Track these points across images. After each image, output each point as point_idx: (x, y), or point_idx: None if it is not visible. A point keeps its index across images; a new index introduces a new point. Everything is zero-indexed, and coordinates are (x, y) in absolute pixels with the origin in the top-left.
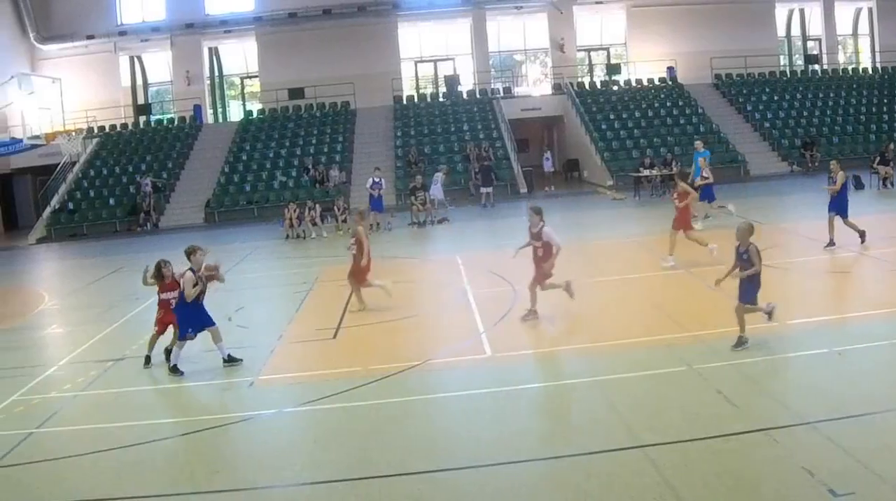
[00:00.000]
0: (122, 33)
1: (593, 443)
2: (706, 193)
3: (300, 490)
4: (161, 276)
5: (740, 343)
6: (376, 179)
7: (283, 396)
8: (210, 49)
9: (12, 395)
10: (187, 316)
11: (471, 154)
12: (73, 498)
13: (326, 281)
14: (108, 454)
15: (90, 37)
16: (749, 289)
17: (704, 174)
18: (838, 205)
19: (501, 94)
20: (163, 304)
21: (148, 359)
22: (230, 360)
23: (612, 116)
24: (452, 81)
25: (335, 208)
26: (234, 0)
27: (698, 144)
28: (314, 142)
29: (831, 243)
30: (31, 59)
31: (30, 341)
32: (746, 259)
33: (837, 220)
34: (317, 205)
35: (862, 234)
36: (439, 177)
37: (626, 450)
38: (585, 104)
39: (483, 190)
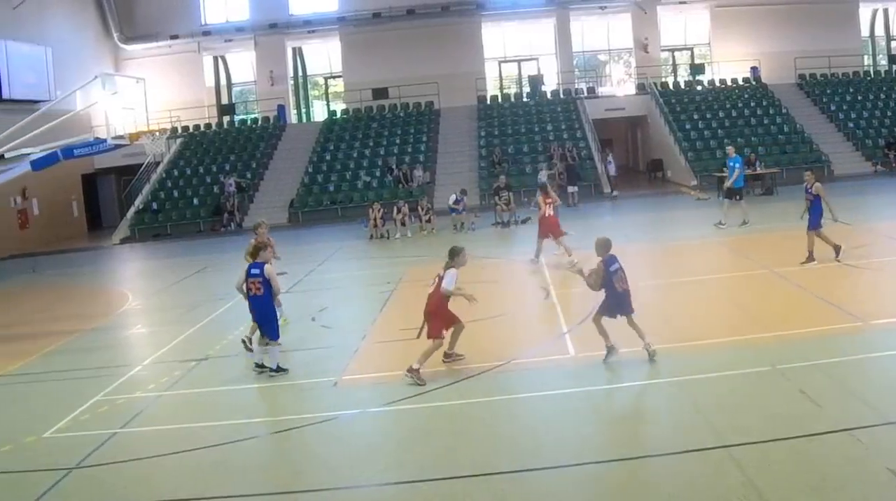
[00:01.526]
0: (206, 33)
1: (677, 443)
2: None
3: (383, 491)
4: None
5: (609, 353)
6: (459, 197)
7: (367, 396)
8: (294, 49)
9: (97, 395)
10: (273, 315)
11: (554, 154)
12: (156, 499)
13: (410, 281)
14: (192, 454)
15: (174, 37)
16: (606, 304)
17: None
18: (812, 218)
19: (585, 94)
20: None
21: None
22: (262, 367)
23: (695, 116)
24: (536, 81)
25: (419, 208)
26: (317, 0)
27: (730, 150)
28: (398, 142)
29: (810, 258)
30: (115, 60)
31: (114, 341)
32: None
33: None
34: (405, 205)
35: (837, 248)
36: (543, 174)
37: (710, 450)
38: (669, 104)
39: (569, 189)
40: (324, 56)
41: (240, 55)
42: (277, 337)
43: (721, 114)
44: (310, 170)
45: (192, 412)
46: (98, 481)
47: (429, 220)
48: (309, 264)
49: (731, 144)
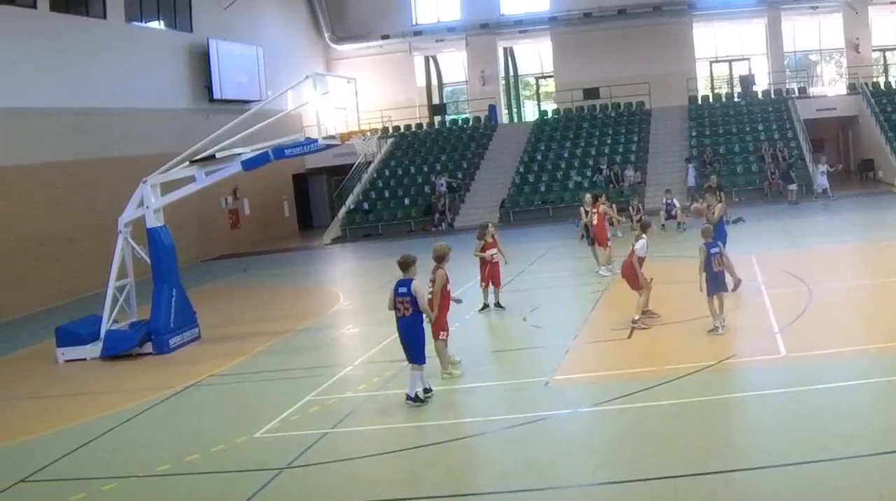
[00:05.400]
0: (417, 33)
1: (889, 443)
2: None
3: (593, 491)
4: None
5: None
6: (669, 201)
7: (578, 396)
8: (505, 49)
9: (308, 395)
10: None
11: (765, 154)
12: (367, 498)
13: (622, 282)
14: (404, 454)
15: (385, 37)
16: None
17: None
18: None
19: (796, 94)
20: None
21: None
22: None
23: None
24: (747, 81)
25: (630, 208)
26: (529, 0)
27: None
28: (609, 142)
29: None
30: (326, 60)
31: (325, 341)
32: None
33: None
34: (614, 206)
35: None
36: (824, 168)
37: None
38: (880, 104)
39: (789, 187)
40: (535, 56)
41: (451, 55)
42: (424, 361)
43: None
44: (521, 170)
45: (404, 412)
46: (309, 481)
47: (639, 220)
48: (520, 264)
49: None
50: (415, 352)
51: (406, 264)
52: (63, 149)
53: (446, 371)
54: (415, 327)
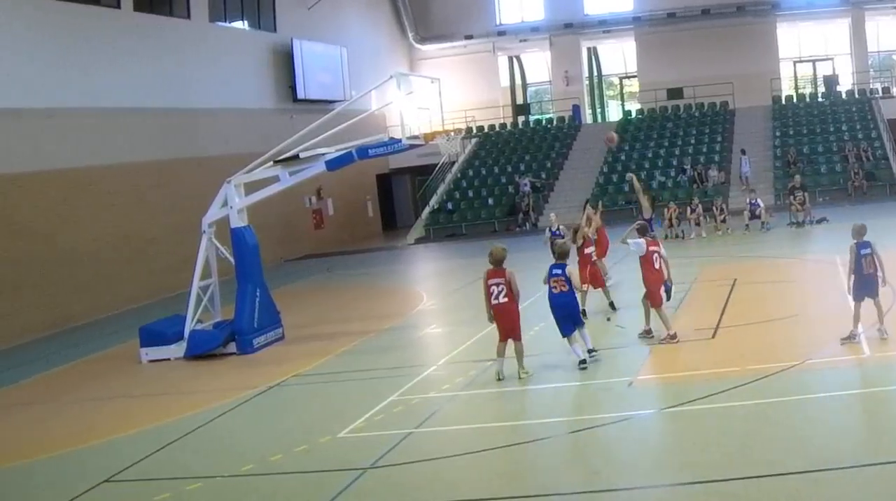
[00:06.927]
0: (501, 33)
1: None
2: None
3: (677, 491)
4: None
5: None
6: (752, 200)
7: (662, 396)
8: (588, 49)
9: (392, 395)
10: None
11: (849, 154)
12: (451, 499)
13: (705, 281)
14: (487, 454)
15: (469, 37)
16: (856, 286)
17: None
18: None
19: (880, 94)
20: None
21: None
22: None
23: None
24: (831, 81)
25: (714, 208)
26: (612, 0)
27: None
28: (692, 142)
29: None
30: (410, 60)
31: (409, 341)
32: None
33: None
34: (699, 205)
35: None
36: None
37: None
38: None
39: None
40: (619, 56)
41: (534, 55)
42: (573, 329)
43: None
44: (604, 170)
45: (487, 412)
46: (393, 481)
47: (723, 221)
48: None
49: None
50: (568, 325)
51: (564, 253)
52: (147, 149)
53: (524, 369)
54: (571, 301)
